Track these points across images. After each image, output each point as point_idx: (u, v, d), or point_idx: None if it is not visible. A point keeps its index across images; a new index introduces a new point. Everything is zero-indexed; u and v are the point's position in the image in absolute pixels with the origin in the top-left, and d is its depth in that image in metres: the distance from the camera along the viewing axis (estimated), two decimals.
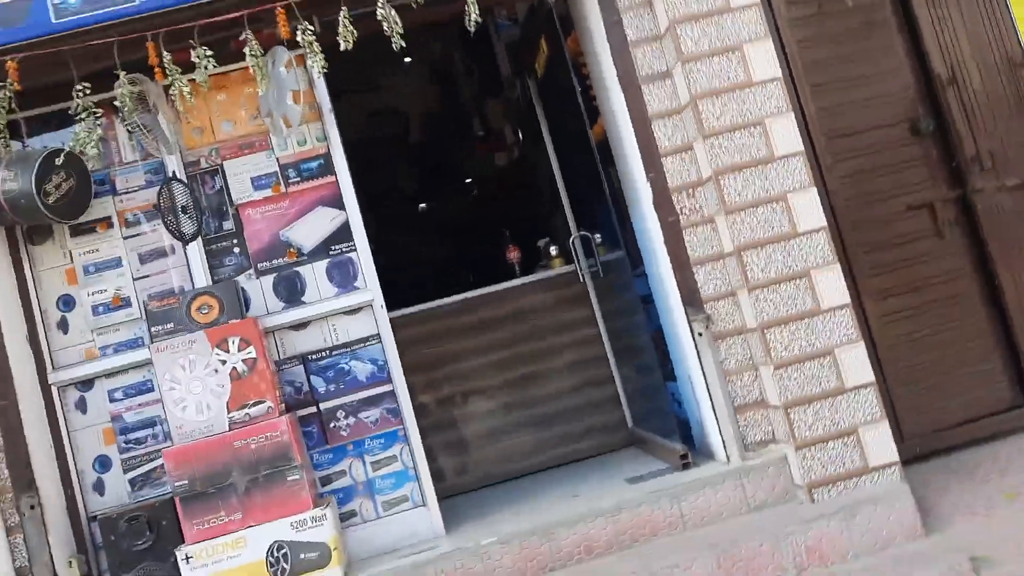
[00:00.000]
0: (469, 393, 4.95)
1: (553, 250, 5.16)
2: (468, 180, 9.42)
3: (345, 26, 3.54)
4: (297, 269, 3.92)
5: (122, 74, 3.50)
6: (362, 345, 3.91)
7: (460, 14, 3.68)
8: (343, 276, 3.94)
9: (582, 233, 4.82)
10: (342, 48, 3.51)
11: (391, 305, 4.04)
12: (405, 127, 9.18)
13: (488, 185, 8.13)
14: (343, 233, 3.95)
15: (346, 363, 3.90)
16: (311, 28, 3.54)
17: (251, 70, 3.57)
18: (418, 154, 9.53)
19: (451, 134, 8.90)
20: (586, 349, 5.01)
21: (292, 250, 3.92)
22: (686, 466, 3.90)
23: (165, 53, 3.49)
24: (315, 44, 3.55)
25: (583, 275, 4.88)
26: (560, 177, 5.23)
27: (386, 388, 3.91)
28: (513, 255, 5.32)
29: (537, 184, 5.89)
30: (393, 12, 3.57)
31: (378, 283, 3.93)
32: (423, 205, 10.47)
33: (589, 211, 5.11)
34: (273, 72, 3.69)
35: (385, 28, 3.56)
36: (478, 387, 4.96)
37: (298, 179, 3.95)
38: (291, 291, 3.91)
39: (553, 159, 5.24)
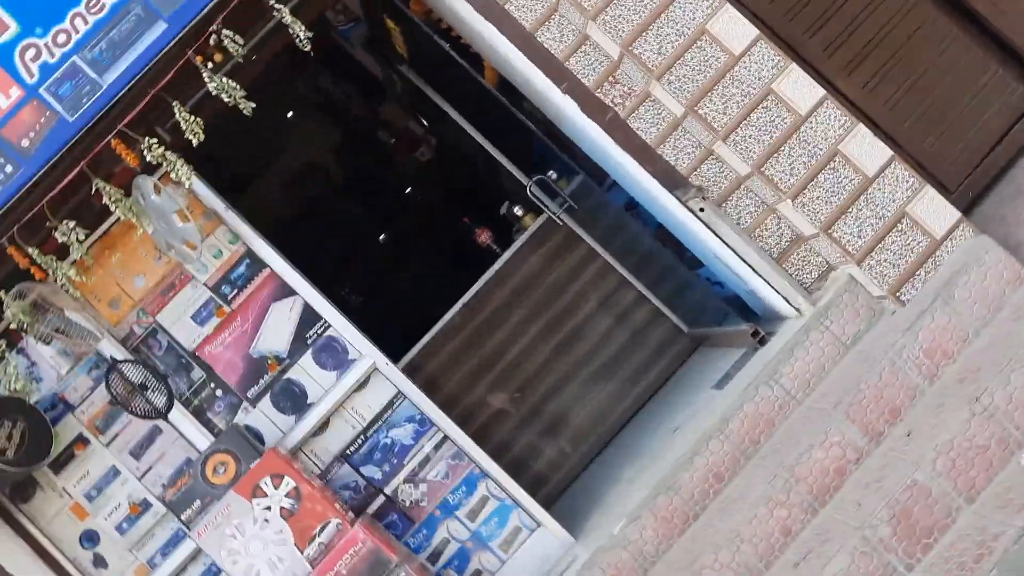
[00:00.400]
0: (523, 382, 4.61)
1: (518, 210, 4.79)
2: (407, 189, 9.03)
3: (187, 121, 3.18)
4: (287, 376, 3.59)
5: (2, 294, 3.15)
6: (390, 411, 3.58)
7: (292, 42, 3.32)
8: (334, 357, 3.60)
9: (536, 178, 4.45)
10: (195, 144, 3.15)
11: (396, 351, 3.70)
12: (326, 174, 8.81)
13: (426, 184, 7.71)
14: (310, 316, 3.61)
15: (385, 437, 3.57)
16: (154, 142, 3.18)
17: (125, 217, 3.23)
18: (350, 192, 9.12)
19: (367, 156, 8.48)
20: (604, 282, 4.66)
21: (271, 361, 3.59)
22: (762, 341, 3.56)
23: (30, 249, 3.14)
24: (168, 154, 3.20)
25: (559, 217, 4.52)
26: (484, 138, 4.85)
27: (436, 437, 3.58)
28: (484, 237, 4.96)
29: (468, 157, 5.51)
30: (225, 80, 3.21)
31: (370, 343, 3.60)
32: (382, 237, 10.07)
33: (529, 155, 4.74)
34: (147, 205, 3.34)
35: (226, 99, 3.20)
36: (527, 372, 4.62)
37: (235, 291, 3.60)
38: (293, 401, 3.58)
39: (467, 126, 4.85)
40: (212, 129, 3.26)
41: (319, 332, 3.61)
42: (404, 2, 3.90)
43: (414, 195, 8.91)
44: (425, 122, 5.54)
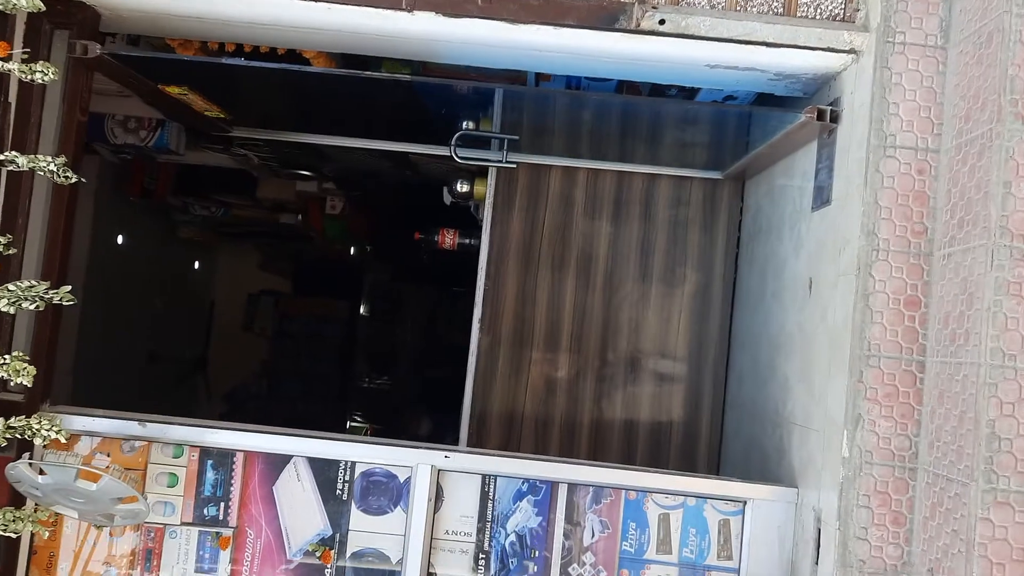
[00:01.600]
0: (597, 346, 3.67)
1: (462, 185, 3.81)
2: (345, 260, 8.17)
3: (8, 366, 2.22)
4: (352, 552, 2.64)
5: None
6: (490, 503, 2.64)
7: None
8: (384, 493, 2.66)
9: (455, 137, 3.46)
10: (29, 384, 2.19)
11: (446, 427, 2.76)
12: (249, 313, 8.17)
13: (354, 235, 6.75)
14: (323, 469, 2.66)
15: (507, 536, 2.63)
16: None
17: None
18: (294, 311, 8.45)
19: (289, 255, 7.65)
20: (600, 190, 3.69)
21: (321, 552, 2.64)
22: (834, 117, 2.59)
23: None
24: (11, 422, 2.24)
25: (507, 162, 3.54)
26: (370, 141, 3.87)
27: (561, 495, 2.64)
28: (449, 239, 3.99)
29: (373, 172, 4.54)
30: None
31: (409, 447, 2.66)
32: (362, 310, 9.17)
33: (429, 122, 3.76)
34: (44, 493, 2.39)
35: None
36: (593, 332, 3.67)
37: (223, 505, 2.65)
38: (378, 574, 2.64)
39: (343, 140, 3.87)
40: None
41: (346, 479, 2.66)
42: (167, 49, 2.91)
43: (355, 255, 7.97)
44: (306, 172, 4.57)
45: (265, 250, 8.71)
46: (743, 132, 3.62)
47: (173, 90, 3.03)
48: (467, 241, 3.97)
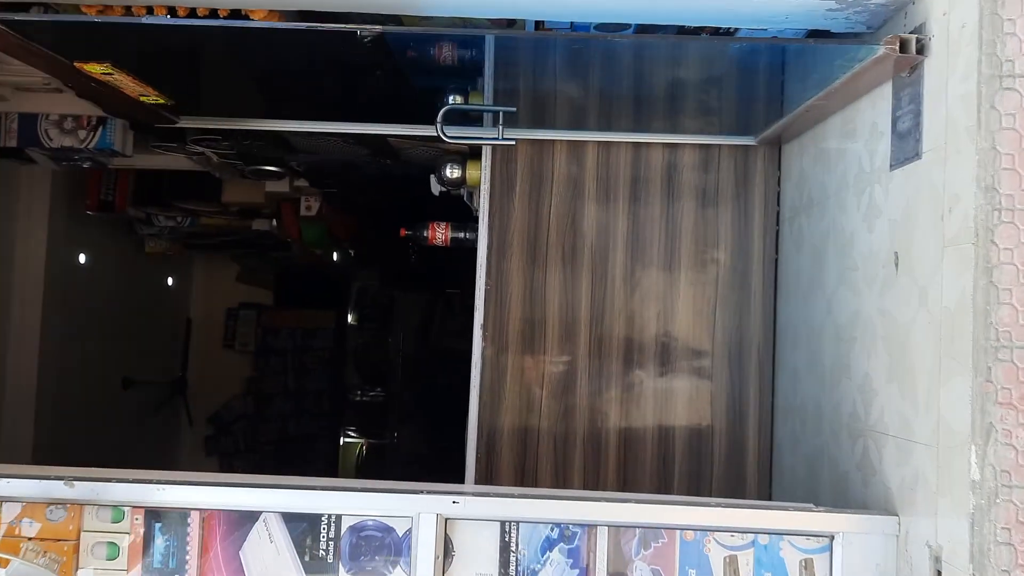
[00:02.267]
0: (622, 345, 3.15)
1: (452, 170, 3.27)
2: (328, 267, 7.63)
3: None
4: None
5: None
6: (513, 554, 2.11)
7: None
8: (379, 549, 2.12)
9: (441, 113, 2.92)
10: None
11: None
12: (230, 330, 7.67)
13: (336, 238, 6.17)
14: (300, 524, 2.12)
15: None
16: None
17: None
18: (278, 324, 7.89)
19: (263, 268, 7.11)
20: (613, 166, 3.16)
21: None
22: (921, 48, 2.06)
23: None
24: None
25: (503, 138, 2.99)
26: (337, 123, 3.33)
27: (601, 538, 2.11)
28: (440, 233, 3.43)
29: (348, 165, 3.99)
30: None
31: (407, 491, 2.12)
32: (350, 319, 8.65)
33: (411, 93, 3.22)
34: None
35: None
36: (616, 332, 3.14)
37: None
38: None
39: (308, 125, 3.32)
40: None
41: (331, 536, 2.12)
42: (80, 24, 2.34)
43: (344, 258, 7.42)
44: (273, 169, 4.02)
45: (242, 261, 8.15)
46: (777, 89, 3.09)
47: (95, 69, 2.48)
48: (462, 235, 3.42)
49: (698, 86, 3.11)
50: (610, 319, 3.16)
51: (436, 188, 3.57)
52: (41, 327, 5.44)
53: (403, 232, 3.45)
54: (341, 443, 8.72)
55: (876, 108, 2.33)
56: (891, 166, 2.21)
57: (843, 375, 2.46)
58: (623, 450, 3.12)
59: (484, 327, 3.15)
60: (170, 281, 8.06)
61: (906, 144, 2.12)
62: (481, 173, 3.20)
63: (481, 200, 3.20)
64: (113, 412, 6.71)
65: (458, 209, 3.59)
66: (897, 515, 2.07)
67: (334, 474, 8.43)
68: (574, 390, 3.15)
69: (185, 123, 3.18)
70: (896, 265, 2.15)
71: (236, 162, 3.96)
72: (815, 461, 2.66)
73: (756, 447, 3.10)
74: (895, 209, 2.18)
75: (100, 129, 3.71)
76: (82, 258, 6.31)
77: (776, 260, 3.15)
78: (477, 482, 3.05)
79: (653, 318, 3.15)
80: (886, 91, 2.26)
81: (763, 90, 3.09)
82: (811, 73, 2.74)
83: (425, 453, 8.53)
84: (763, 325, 3.13)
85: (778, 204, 3.16)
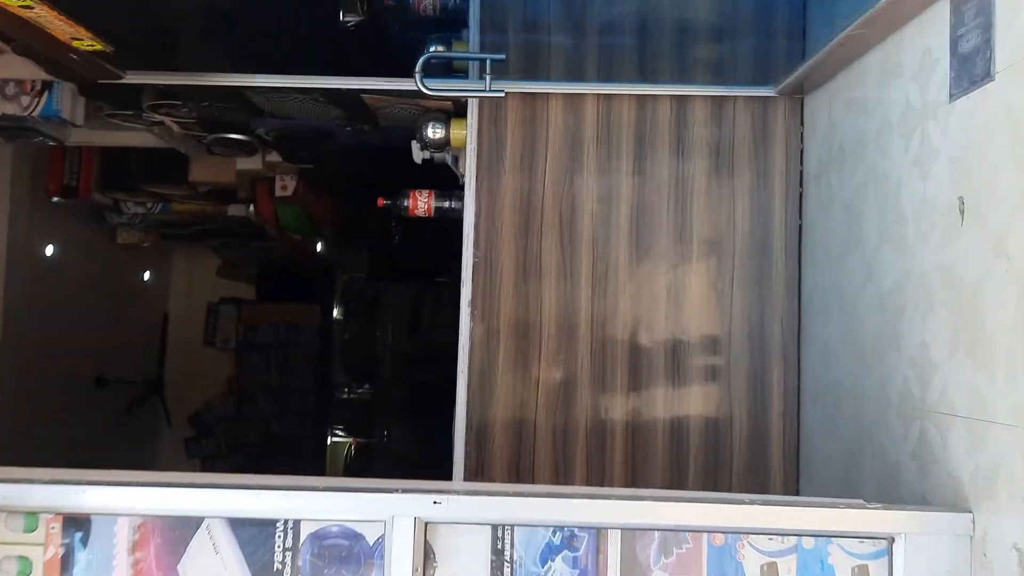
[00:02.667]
0: (629, 334, 2.79)
1: (434, 130, 2.91)
2: (311, 255, 7.24)
3: None
4: None
5: None
6: (505, 567, 1.75)
7: None
8: (340, 567, 1.76)
9: (422, 61, 2.56)
10: None
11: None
12: (210, 325, 7.21)
13: (316, 221, 5.74)
14: (254, 536, 1.76)
15: None
16: None
17: None
18: (260, 319, 7.47)
19: (244, 259, 6.70)
20: (615, 122, 2.81)
21: None
22: None
23: None
24: None
25: (491, 90, 2.64)
26: (301, 79, 2.97)
27: (614, 542, 1.76)
28: (423, 203, 3.07)
29: (320, 131, 3.63)
30: None
31: (378, 488, 1.76)
32: (335, 313, 8.30)
33: (384, 44, 2.87)
34: None
35: None
36: (623, 322, 2.79)
37: None
38: None
39: (270, 80, 2.97)
40: None
41: (288, 545, 1.76)
42: None
43: (328, 244, 7.05)
44: (238, 137, 3.64)
45: (222, 252, 7.77)
46: (798, 30, 2.75)
47: (11, 1, 2.11)
48: (447, 204, 3.06)
49: (709, 29, 2.76)
50: (614, 294, 2.80)
51: (418, 155, 3.22)
52: (1, 321, 5.08)
53: (381, 202, 3.09)
54: (328, 443, 8.38)
55: (927, 31, 1.98)
56: (951, 96, 1.86)
57: (889, 348, 2.11)
58: (631, 442, 2.77)
59: (473, 304, 2.80)
60: (147, 275, 7.69)
61: (972, 66, 1.77)
62: (467, 132, 2.84)
63: (467, 163, 2.84)
64: (86, 413, 6.35)
65: (445, 181, 3.23)
66: (971, 511, 1.72)
67: (321, 475, 8.10)
68: (575, 375, 2.80)
69: (132, 78, 2.81)
70: (961, 212, 1.80)
71: (198, 131, 3.59)
72: (855, 449, 2.31)
73: (781, 435, 2.75)
74: (957, 146, 1.83)
75: (45, 94, 3.34)
76: (49, 249, 5.94)
77: (800, 226, 2.79)
78: (467, 480, 2.69)
79: (663, 293, 2.80)
80: (941, 9, 1.91)
81: (783, 32, 2.75)
82: (832, 17, 2.39)
83: (417, 452, 8.18)
84: (787, 297, 2.78)
85: (801, 163, 2.81)
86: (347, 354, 8.41)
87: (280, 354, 8.35)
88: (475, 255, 2.81)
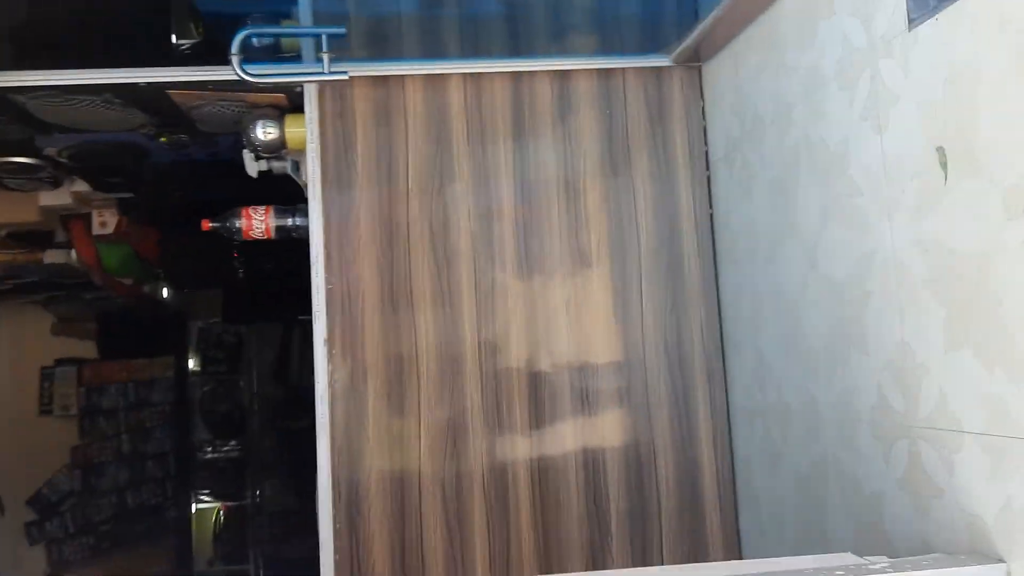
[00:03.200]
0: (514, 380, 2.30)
1: (265, 131, 2.34)
2: (156, 302, 6.42)
3: None
4: None
5: None
6: None
7: None
8: None
9: (240, 40, 2.01)
10: None
11: None
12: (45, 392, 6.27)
13: (147, 260, 4.99)
14: None
15: None
16: None
17: None
18: (104, 379, 6.56)
19: (81, 313, 5.84)
20: (484, 104, 2.33)
21: None
22: None
23: None
24: None
25: (337, 71, 2.11)
26: (84, 74, 2.36)
27: None
28: (258, 224, 2.48)
29: (131, 145, 2.99)
30: None
31: None
32: (191, 364, 7.49)
33: (199, 47, 2.30)
34: None
35: None
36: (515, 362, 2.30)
37: None
38: None
39: (38, 77, 2.34)
40: None
41: None
42: None
43: (173, 288, 6.27)
44: (23, 160, 2.93)
45: (52, 308, 6.85)
46: None
47: None
48: (289, 221, 2.48)
49: None
50: (504, 316, 2.30)
51: (253, 167, 2.65)
52: None
53: (207, 224, 2.49)
54: (193, 510, 7.51)
55: None
56: (910, 23, 1.46)
57: (853, 351, 1.69)
58: (538, 490, 2.27)
59: (330, 343, 2.24)
60: None
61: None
62: (306, 129, 2.29)
63: (309, 167, 2.29)
64: None
65: (295, 199, 2.66)
66: (1002, 559, 1.29)
67: (188, 548, 7.26)
68: (464, 415, 2.27)
69: None
70: (943, 167, 1.39)
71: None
72: (811, 482, 1.88)
73: (714, 466, 2.30)
74: (926, 84, 1.43)
75: None
76: None
77: (711, 216, 2.38)
78: (340, 573, 2.12)
79: (561, 309, 2.32)
80: None
81: None
82: None
83: (295, 509, 7.45)
84: (704, 302, 2.35)
85: (705, 142, 2.40)
86: (208, 409, 7.60)
87: (131, 416, 7.45)
88: (328, 281, 2.26)
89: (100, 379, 7.37)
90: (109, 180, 3.29)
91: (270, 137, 2.35)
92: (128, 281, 4.77)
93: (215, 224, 2.49)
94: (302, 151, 2.38)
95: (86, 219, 4.02)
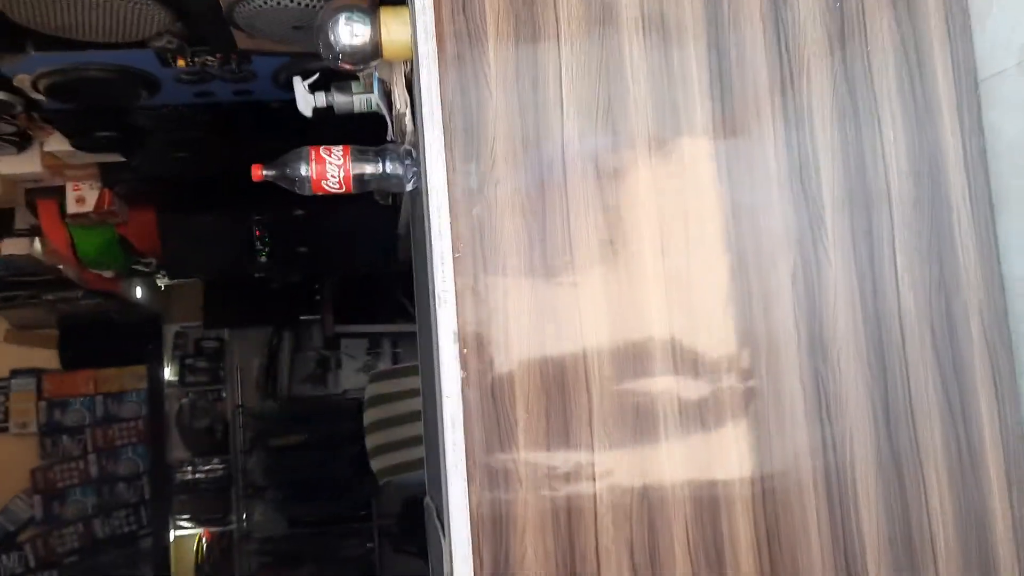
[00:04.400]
0: None
1: (351, 31, 1.60)
2: (133, 309, 5.57)
3: None
4: None
5: None
6: None
7: None
8: None
9: None
10: None
11: None
12: None
13: (139, 249, 4.14)
14: None
15: None
16: None
17: None
18: (66, 391, 5.67)
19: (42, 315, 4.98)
20: None
21: None
22: None
23: None
24: None
25: None
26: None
27: None
28: (334, 167, 1.74)
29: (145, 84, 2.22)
30: None
31: None
32: (168, 374, 6.66)
33: None
34: None
35: None
36: None
37: None
38: None
39: None
40: None
41: None
42: None
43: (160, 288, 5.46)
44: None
45: (6, 310, 5.97)
46: None
47: None
48: (376, 167, 1.74)
49: None
50: (702, 298, 1.58)
51: (308, 101, 1.92)
52: None
53: (259, 172, 1.73)
54: (172, 538, 6.68)
55: None
56: None
57: None
58: (761, 523, 1.55)
59: (461, 339, 1.50)
60: None
61: None
62: (414, 24, 1.56)
63: (423, 87, 1.55)
64: None
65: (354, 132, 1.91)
66: None
67: None
68: (654, 426, 1.55)
69: None
70: None
71: None
72: None
73: (1010, 517, 1.60)
74: None
75: None
76: None
77: (984, 149, 1.69)
78: None
79: (786, 283, 1.60)
80: None
81: None
82: None
83: (286, 535, 6.66)
84: (983, 276, 1.65)
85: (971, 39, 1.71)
86: (187, 424, 6.78)
87: (99, 433, 6.59)
88: (455, 249, 1.52)
89: (62, 391, 6.54)
90: (97, 134, 2.49)
91: (357, 39, 1.61)
92: (108, 274, 3.93)
93: (270, 172, 1.74)
94: (403, 61, 1.65)
95: (60, 194, 3.21)
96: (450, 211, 1.52)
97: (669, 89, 1.61)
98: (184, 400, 6.83)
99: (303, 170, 1.73)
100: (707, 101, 1.62)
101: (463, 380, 1.48)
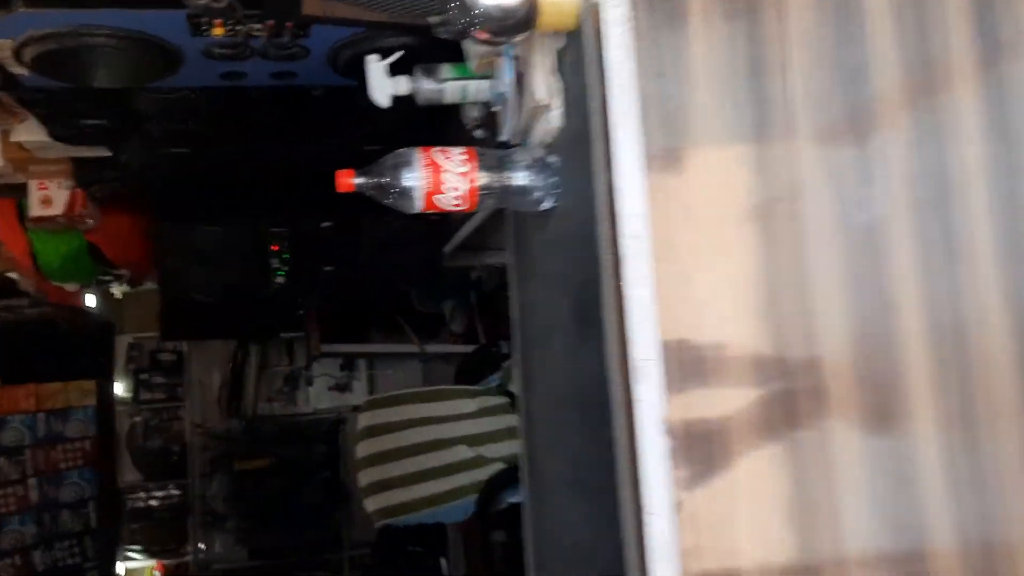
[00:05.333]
0: None
1: None
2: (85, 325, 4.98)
3: None
4: None
5: None
6: None
7: None
8: None
9: None
10: None
11: None
12: None
13: (115, 259, 3.57)
14: None
15: None
16: None
17: None
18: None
19: None
20: None
21: None
22: None
23: None
24: None
25: None
26: None
27: None
28: (453, 178, 1.29)
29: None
30: None
31: None
32: (121, 391, 6.06)
33: None
34: None
35: None
36: None
37: None
38: None
39: None
40: None
41: None
42: None
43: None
44: None
45: None
46: None
47: None
48: (513, 180, 1.29)
49: None
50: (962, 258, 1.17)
51: (386, 87, 1.47)
52: None
53: (348, 181, 1.26)
54: (121, 572, 6.09)
55: None
56: None
57: None
58: None
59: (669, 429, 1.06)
60: None
61: None
62: None
63: (608, 60, 1.11)
64: None
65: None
66: None
67: None
68: (914, 451, 1.13)
69: None
70: None
71: None
72: None
73: None
74: None
75: None
76: None
77: None
78: None
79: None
80: None
81: None
82: None
83: (248, 568, 6.13)
84: None
85: None
86: (140, 445, 6.18)
87: (40, 455, 5.96)
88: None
89: (0, 408, 5.86)
90: (83, 121, 1.98)
91: (512, 1, 1.16)
92: (72, 287, 3.37)
93: (362, 180, 1.27)
94: (549, 39, 1.20)
95: (20, 193, 2.65)
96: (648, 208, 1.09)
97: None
98: (137, 418, 6.23)
99: (409, 179, 1.27)
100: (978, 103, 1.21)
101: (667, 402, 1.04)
